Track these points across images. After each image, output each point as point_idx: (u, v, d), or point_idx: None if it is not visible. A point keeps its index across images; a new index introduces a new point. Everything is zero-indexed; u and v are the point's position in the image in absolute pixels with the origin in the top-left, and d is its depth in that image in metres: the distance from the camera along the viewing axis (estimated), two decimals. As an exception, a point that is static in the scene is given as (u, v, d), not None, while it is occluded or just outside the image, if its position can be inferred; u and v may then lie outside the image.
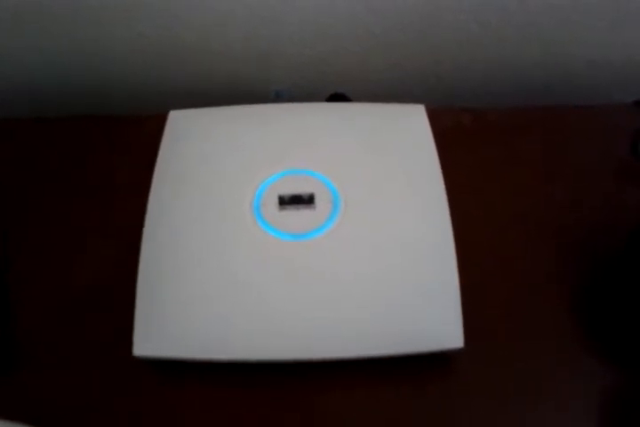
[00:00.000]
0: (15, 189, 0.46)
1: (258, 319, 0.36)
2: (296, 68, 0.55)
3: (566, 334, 0.39)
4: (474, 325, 0.36)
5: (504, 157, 0.47)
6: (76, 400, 0.37)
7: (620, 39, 0.52)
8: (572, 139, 0.48)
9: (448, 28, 0.51)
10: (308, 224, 0.39)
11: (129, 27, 0.51)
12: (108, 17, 0.50)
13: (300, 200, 0.40)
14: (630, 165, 0.46)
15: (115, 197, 0.45)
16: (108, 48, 0.53)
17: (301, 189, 0.40)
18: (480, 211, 0.44)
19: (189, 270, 0.38)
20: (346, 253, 0.38)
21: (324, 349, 0.36)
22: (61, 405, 0.37)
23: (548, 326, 0.39)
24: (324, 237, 0.38)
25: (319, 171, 0.41)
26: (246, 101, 0.45)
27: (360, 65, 0.55)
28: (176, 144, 0.43)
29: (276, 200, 0.40)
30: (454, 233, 0.38)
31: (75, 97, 0.57)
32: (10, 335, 0.39)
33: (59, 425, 0.35)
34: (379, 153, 0.42)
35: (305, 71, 0.55)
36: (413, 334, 0.36)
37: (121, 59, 0.54)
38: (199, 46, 0.53)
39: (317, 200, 0.40)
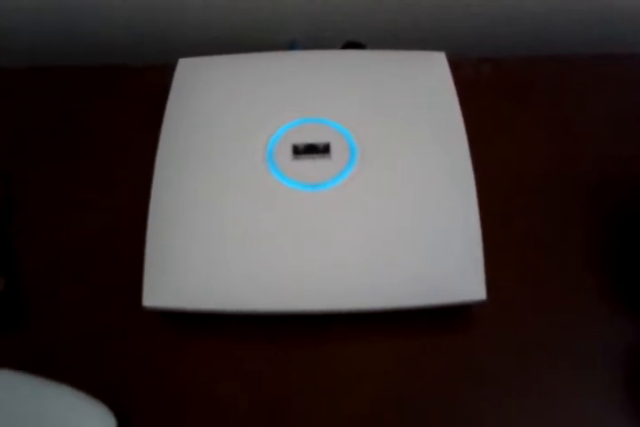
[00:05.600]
0: (17, 140, 0.44)
1: (269, 271, 0.35)
2: (307, 17, 0.53)
3: (590, 289, 0.38)
4: (495, 279, 0.35)
5: (523, 107, 0.46)
6: (83, 351, 0.37)
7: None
8: (592, 89, 0.47)
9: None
10: (322, 174, 0.37)
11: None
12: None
13: (315, 150, 0.38)
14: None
15: (122, 148, 0.44)
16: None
17: (317, 138, 0.39)
18: (500, 162, 0.43)
19: (199, 220, 0.37)
20: (362, 204, 0.37)
21: (339, 301, 0.35)
22: (68, 355, 0.36)
23: (570, 282, 0.38)
24: (340, 187, 0.37)
25: (335, 120, 0.39)
26: (258, 51, 0.43)
27: (372, 13, 0.53)
28: (186, 92, 0.41)
29: (290, 149, 0.38)
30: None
31: (75, 46, 0.55)
32: (15, 285, 0.38)
33: (67, 375, 0.35)
34: (398, 102, 0.40)
35: (316, 20, 0.53)
36: (435, 286, 0.35)
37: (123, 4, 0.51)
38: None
39: (333, 150, 0.38)
